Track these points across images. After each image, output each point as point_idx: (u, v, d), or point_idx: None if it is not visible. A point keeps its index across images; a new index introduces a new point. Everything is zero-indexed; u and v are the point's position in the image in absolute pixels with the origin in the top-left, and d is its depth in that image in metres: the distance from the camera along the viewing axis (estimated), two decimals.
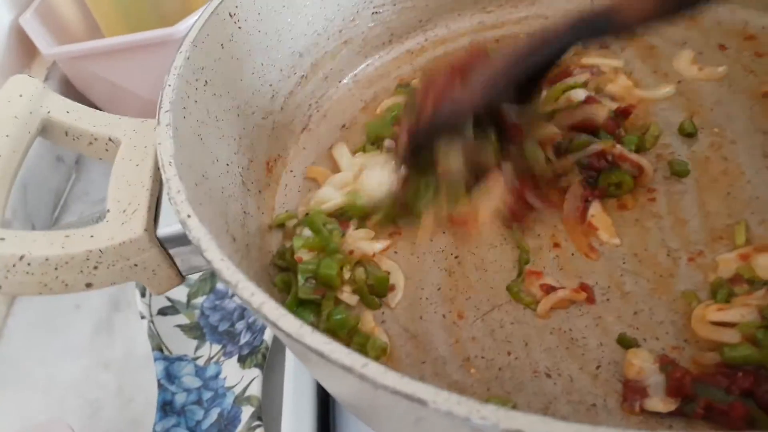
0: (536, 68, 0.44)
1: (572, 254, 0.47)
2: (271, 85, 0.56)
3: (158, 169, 0.38)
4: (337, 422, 0.52)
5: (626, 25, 0.41)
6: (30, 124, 0.46)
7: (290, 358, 0.52)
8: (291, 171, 0.57)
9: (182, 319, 0.64)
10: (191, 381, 0.60)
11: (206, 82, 0.47)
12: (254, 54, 0.53)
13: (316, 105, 0.61)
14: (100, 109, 0.82)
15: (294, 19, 0.56)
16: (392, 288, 0.47)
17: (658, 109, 0.54)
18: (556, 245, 0.47)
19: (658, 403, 0.38)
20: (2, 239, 0.39)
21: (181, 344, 0.62)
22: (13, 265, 0.38)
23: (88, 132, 0.47)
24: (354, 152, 0.57)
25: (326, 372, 0.33)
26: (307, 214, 0.50)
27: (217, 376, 0.60)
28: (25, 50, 0.81)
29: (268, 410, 0.54)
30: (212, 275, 0.66)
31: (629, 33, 0.43)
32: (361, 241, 0.49)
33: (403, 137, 0.46)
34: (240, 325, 0.62)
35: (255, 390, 0.56)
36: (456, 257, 0.48)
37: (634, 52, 0.60)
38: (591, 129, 0.50)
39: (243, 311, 0.63)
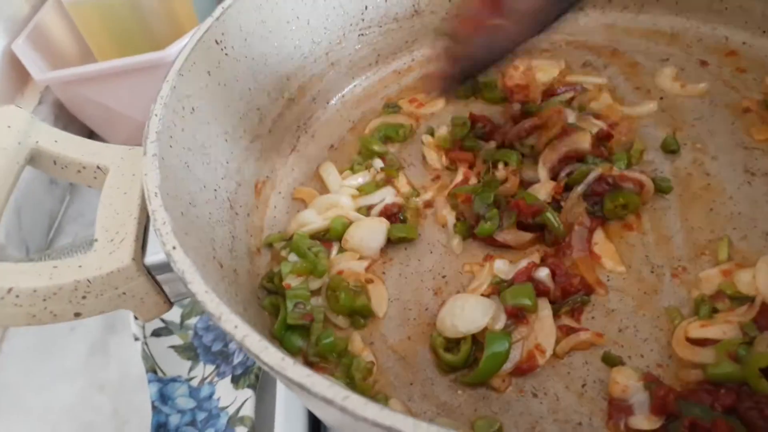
0: None
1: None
2: (258, 109, 0.56)
3: (145, 197, 0.38)
4: None
5: None
6: (18, 154, 0.46)
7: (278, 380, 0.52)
8: (279, 192, 0.58)
9: (176, 339, 0.64)
10: (185, 402, 0.60)
11: (193, 109, 0.47)
12: (241, 79, 0.54)
13: (304, 126, 0.62)
14: (94, 132, 0.84)
15: (281, 43, 0.57)
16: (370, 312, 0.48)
17: (641, 126, 0.55)
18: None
19: (643, 421, 0.38)
20: None
21: (174, 365, 0.62)
22: (2, 298, 0.38)
23: (77, 160, 0.48)
24: (342, 171, 0.57)
25: (310, 401, 0.33)
26: (291, 237, 0.51)
27: (210, 396, 0.60)
28: (18, 76, 0.81)
29: (261, 431, 0.55)
30: None
31: None
32: (349, 261, 0.50)
33: (444, 65, 0.47)
34: (233, 345, 0.62)
35: (248, 410, 0.56)
36: (443, 277, 0.49)
37: (617, 69, 0.61)
38: (578, 157, 0.50)
39: None
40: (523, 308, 0.43)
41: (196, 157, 0.47)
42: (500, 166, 0.52)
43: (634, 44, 0.63)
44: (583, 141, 0.50)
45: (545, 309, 0.44)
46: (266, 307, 0.48)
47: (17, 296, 0.38)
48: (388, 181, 0.56)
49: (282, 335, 0.46)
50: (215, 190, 0.48)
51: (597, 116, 0.55)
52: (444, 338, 0.44)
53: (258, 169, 0.56)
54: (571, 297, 0.44)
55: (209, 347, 0.63)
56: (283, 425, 0.49)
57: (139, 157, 0.46)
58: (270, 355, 0.29)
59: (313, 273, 0.48)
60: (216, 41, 0.51)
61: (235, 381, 0.59)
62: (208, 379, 0.61)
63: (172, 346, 0.63)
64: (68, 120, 0.85)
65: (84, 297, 0.40)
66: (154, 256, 0.41)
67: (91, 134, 0.88)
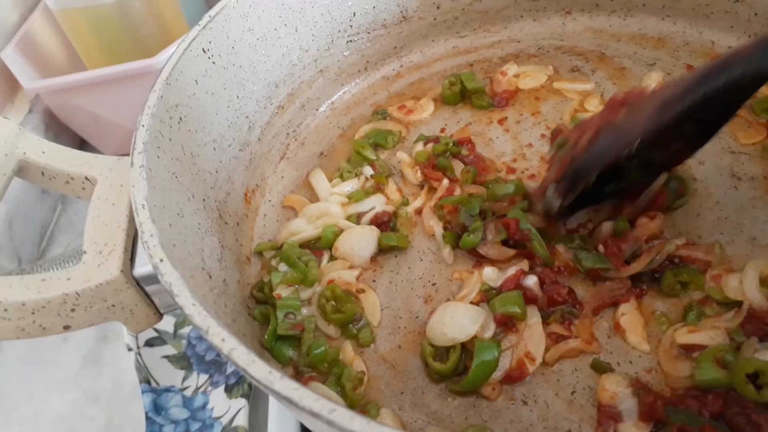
0: (716, 100, 0.39)
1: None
2: (247, 117, 0.56)
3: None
4: None
5: None
6: (5, 166, 0.46)
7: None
8: (269, 200, 0.58)
9: (169, 349, 0.64)
10: (179, 412, 0.60)
11: (181, 119, 0.47)
12: (229, 87, 0.54)
13: (293, 134, 0.62)
14: (85, 140, 0.84)
15: (269, 51, 0.57)
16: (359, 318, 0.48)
17: None
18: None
19: (632, 427, 0.38)
20: None
21: (168, 375, 0.62)
22: None
23: (64, 171, 0.48)
24: (331, 179, 0.57)
25: (298, 414, 0.33)
26: (281, 246, 0.51)
27: (204, 406, 0.60)
28: (8, 84, 0.81)
29: None
30: None
31: None
32: (340, 270, 0.50)
33: (557, 169, 0.45)
34: None
35: (242, 420, 0.56)
36: (433, 284, 0.49)
37: (604, 74, 0.61)
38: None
39: None
40: (513, 316, 0.43)
41: (185, 167, 0.47)
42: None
43: (621, 49, 0.63)
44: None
45: (534, 317, 0.44)
46: (256, 317, 0.48)
47: (5, 310, 0.38)
48: (378, 188, 0.56)
49: (272, 345, 0.46)
50: (204, 199, 0.48)
51: None
52: (433, 347, 0.44)
53: (247, 177, 0.56)
54: (558, 306, 0.44)
55: (203, 357, 0.63)
56: None
57: (127, 168, 0.46)
58: (257, 368, 0.29)
59: (304, 282, 0.48)
60: (203, 50, 0.50)
61: (229, 390, 0.59)
62: (201, 389, 0.61)
63: (166, 356, 0.63)
64: (59, 129, 0.84)
65: (73, 310, 0.40)
66: (143, 267, 0.41)
67: (82, 142, 0.88)
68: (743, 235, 0.46)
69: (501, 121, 0.59)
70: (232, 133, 0.54)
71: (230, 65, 0.53)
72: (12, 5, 0.83)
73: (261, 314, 0.48)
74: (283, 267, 0.49)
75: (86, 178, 0.47)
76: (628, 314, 0.44)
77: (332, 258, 0.51)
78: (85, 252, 0.42)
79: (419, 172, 0.56)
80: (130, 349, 0.62)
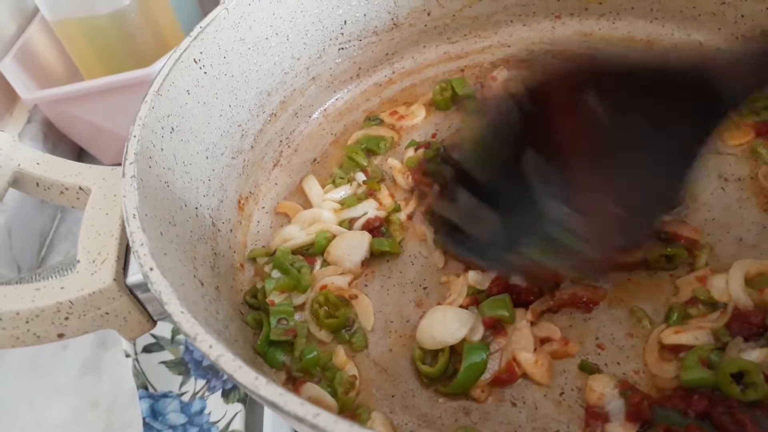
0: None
1: None
2: (240, 126, 0.57)
3: None
4: None
5: None
6: (1, 177, 0.47)
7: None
8: (263, 207, 0.58)
9: (167, 355, 0.65)
10: (176, 418, 0.60)
11: (172, 128, 0.48)
12: (221, 97, 0.54)
13: (286, 141, 0.63)
14: (83, 149, 0.84)
15: (260, 60, 0.58)
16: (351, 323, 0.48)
17: None
18: None
19: (619, 428, 0.39)
20: None
21: (166, 380, 0.62)
22: None
23: (59, 182, 0.48)
24: (324, 185, 0.58)
25: (285, 419, 0.34)
26: (274, 253, 0.51)
27: (201, 411, 0.60)
28: (6, 95, 0.82)
29: None
30: None
31: None
32: (333, 276, 0.51)
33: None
34: None
35: (238, 425, 0.57)
36: (425, 288, 0.49)
37: None
38: None
39: None
40: (501, 319, 0.44)
41: (177, 176, 0.47)
42: None
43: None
44: None
45: (523, 320, 0.44)
46: (249, 322, 0.49)
47: (0, 319, 0.39)
48: (370, 194, 0.56)
49: (265, 351, 0.46)
50: (196, 207, 0.49)
51: None
52: (423, 350, 0.44)
53: (241, 184, 0.57)
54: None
55: (200, 362, 0.64)
56: None
57: (119, 178, 0.47)
58: (243, 374, 0.30)
59: (297, 289, 0.49)
60: (194, 60, 0.51)
61: (226, 395, 0.60)
62: (199, 394, 0.62)
63: (163, 362, 0.64)
64: (57, 138, 0.85)
65: (67, 318, 0.41)
66: (136, 275, 0.42)
67: (80, 152, 0.88)
68: (730, 235, 0.47)
69: None
70: (224, 141, 0.55)
71: (222, 75, 0.54)
72: (9, 17, 0.85)
73: (254, 320, 0.48)
74: (276, 273, 0.50)
75: (80, 188, 0.48)
76: None
77: (325, 263, 0.51)
78: (78, 261, 0.43)
79: (410, 177, 0.56)
80: (127, 356, 0.63)
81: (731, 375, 0.37)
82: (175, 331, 0.67)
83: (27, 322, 0.40)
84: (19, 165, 0.48)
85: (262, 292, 0.49)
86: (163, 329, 0.66)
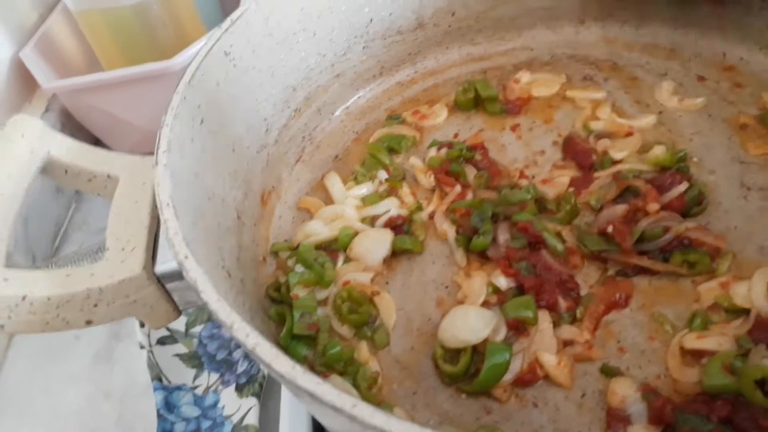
0: None
1: None
2: (265, 120, 0.57)
3: (156, 206, 0.39)
4: None
5: None
6: (31, 163, 0.47)
7: (286, 388, 0.53)
8: (285, 202, 0.59)
9: (181, 348, 0.65)
10: (190, 410, 0.61)
11: (202, 120, 0.48)
12: (249, 90, 0.55)
13: (309, 137, 0.63)
14: (100, 140, 0.85)
15: (287, 55, 0.58)
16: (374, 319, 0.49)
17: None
18: None
19: (641, 431, 0.39)
20: (5, 279, 0.40)
21: (179, 373, 0.63)
22: (16, 305, 0.39)
23: (87, 169, 0.49)
24: (346, 182, 0.58)
25: (319, 409, 0.34)
26: (296, 247, 0.52)
27: (215, 405, 0.61)
28: (26, 83, 0.82)
29: None
30: None
31: None
32: (355, 272, 0.51)
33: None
34: (237, 354, 0.63)
35: (252, 419, 0.57)
36: (446, 287, 0.50)
37: (617, 83, 0.62)
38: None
39: None
40: (524, 321, 0.44)
41: (206, 167, 0.47)
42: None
43: (633, 58, 0.64)
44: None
45: (545, 322, 0.44)
46: (272, 316, 0.49)
47: (31, 304, 0.39)
48: (392, 191, 0.56)
49: (288, 344, 0.46)
50: (223, 200, 0.49)
51: (599, 136, 0.56)
52: (444, 349, 0.44)
53: (264, 179, 0.57)
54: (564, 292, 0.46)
55: (214, 356, 0.64)
56: None
57: (149, 167, 0.47)
58: (281, 363, 0.30)
59: (320, 283, 0.49)
60: (225, 53, 0.51)
61: (240, 389, 0.60)
62: (212, 388, 0.62)
63: (177, 355, 0.64)
64: (75, 128, 0.85)
65: (96, 305, 0.41)
66: (164, 264, 0.42)
67: (96, 142, 0.89)
68: (752, 244, 0.47)
69: (513, 128, 0.60)
70: (250, 135, 0.55)
71: (250, 68, 0.54)
72: (31, 6, 0.85)
73: (277, 314, 0.49)
74: (299, 268, 0.50)
75: (108, 176, 0.49)
76: None
77: (347, 260, 0.51)
78: (107, 249, 0.43)
79: (432, 176, 0.56)
80: (142, 347, 0.63)
81: (755, 381, 0.38)
82: (189, 325, 0.67)
83: (57, 307, 0.40)
84: (48, 151, 0.48)
85: (285, 286, 0.49)
86: (177, 322, 0.66)
